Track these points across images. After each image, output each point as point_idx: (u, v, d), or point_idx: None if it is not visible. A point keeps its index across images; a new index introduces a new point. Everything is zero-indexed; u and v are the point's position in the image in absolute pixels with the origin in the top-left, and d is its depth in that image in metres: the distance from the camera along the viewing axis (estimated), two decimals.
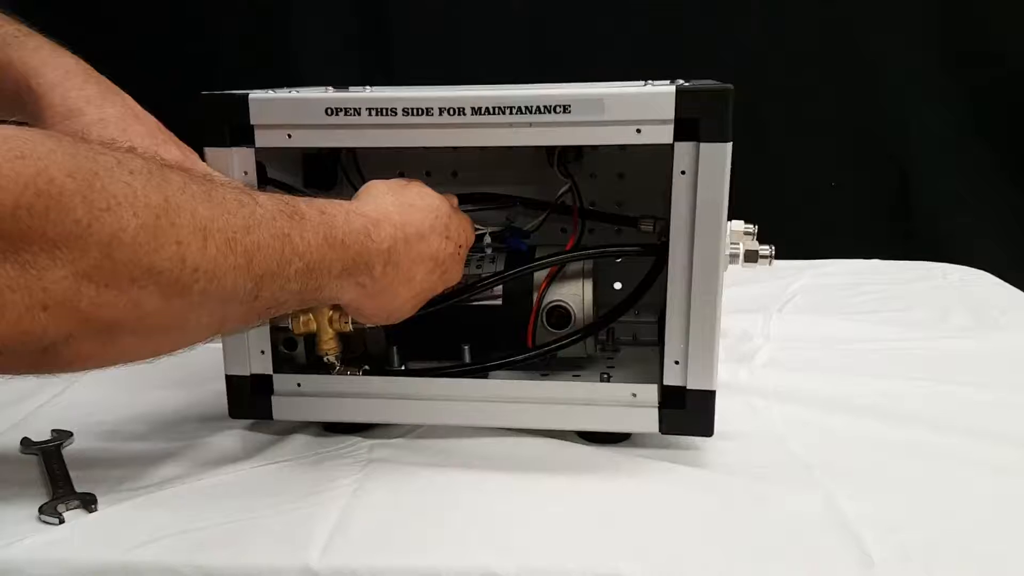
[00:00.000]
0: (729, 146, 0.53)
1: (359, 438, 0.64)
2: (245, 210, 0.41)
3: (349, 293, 0.50)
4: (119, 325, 0.37)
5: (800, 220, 1.25)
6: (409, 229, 0.52)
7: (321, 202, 0.48)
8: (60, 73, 0.54)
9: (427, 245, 0.53)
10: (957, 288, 1.06)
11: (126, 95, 0.57)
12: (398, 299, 0.54)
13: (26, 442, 0.63)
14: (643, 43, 1.28)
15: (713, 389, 0.58)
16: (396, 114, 0.56)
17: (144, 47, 1.31)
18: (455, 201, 0.61)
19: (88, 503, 0.54)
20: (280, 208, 0.43)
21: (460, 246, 0.57)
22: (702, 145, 0.53)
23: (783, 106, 1.29)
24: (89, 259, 0.34)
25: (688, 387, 0.58)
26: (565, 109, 0.54)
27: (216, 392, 0.66)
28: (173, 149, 0.56)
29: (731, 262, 0.60)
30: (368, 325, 0.60)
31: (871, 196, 1.35)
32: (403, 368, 0.65)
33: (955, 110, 1.31)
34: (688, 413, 0.58)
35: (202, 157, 0.58)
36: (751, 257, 0.61)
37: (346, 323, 0.61)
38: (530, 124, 0.55)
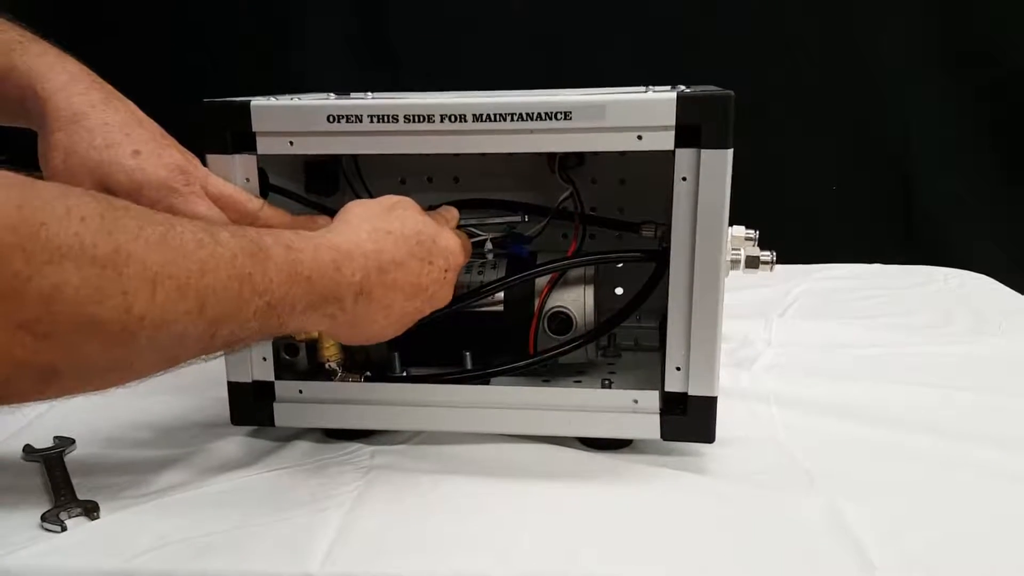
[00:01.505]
0: (730, 152, 0.53)
1: (361, 444, 0.64)
2: (203, 251, 0.40)
3: (318, 325, 0.49)
4: (58, 370, 0.36)
5: (801, 225, 1.25)
6: (384, 257, 0.51)
7: (289, 236, 0.47)
8: (64, 78, 0.54)
9: (405, 272, 0.52)
10: (958, 292, 1.06)
11: (129, 101, 0.57)
12: (375, 326, 0.52)
13: (28, 449, 0.63)
14: (643, 43, 1.28)
15: (714, 395, 0.58)
16: (398, 121, 0.56)
17: (146, 53, 1.31)
18: (453, 218, 0.60)
19: (90, 510, 0.54)
20: (243, 246, 0.42)
21: (447, 270, 0.55)
22: (703, 151, 0.53)
23: (783, 110, 1.29)
24: (27, 312, 0.33)
25: (689, 393, 0.58)
26: (566, 116, 0.54)
27: (218, 399, 0.66)
28: (175, 154, 0.56)
29: (732, 268, 0.60)
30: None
31: (872, 200, 1.35)
32: (404, 374, 0.65)
33: (956, 112, 1.31)
34: (689, 419, 0.58)
35: (203, 163, 0.58)
36: (752, 263, 0.61)
37: None
38: (531, 131, 0.55)
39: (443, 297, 0.56)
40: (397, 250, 0.51)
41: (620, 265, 0.74)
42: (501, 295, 0.65)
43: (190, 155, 0.57)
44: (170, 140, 0.57)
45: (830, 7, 1.28)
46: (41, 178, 0.54)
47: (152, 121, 0.57)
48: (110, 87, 0.57)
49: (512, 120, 0.55)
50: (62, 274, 0.34)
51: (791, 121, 1.31)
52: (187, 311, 0.39)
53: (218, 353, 0.45)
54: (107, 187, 0.53)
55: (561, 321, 0.64)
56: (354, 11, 1.33)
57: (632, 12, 1.28)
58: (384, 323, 0.53)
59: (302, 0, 1.31)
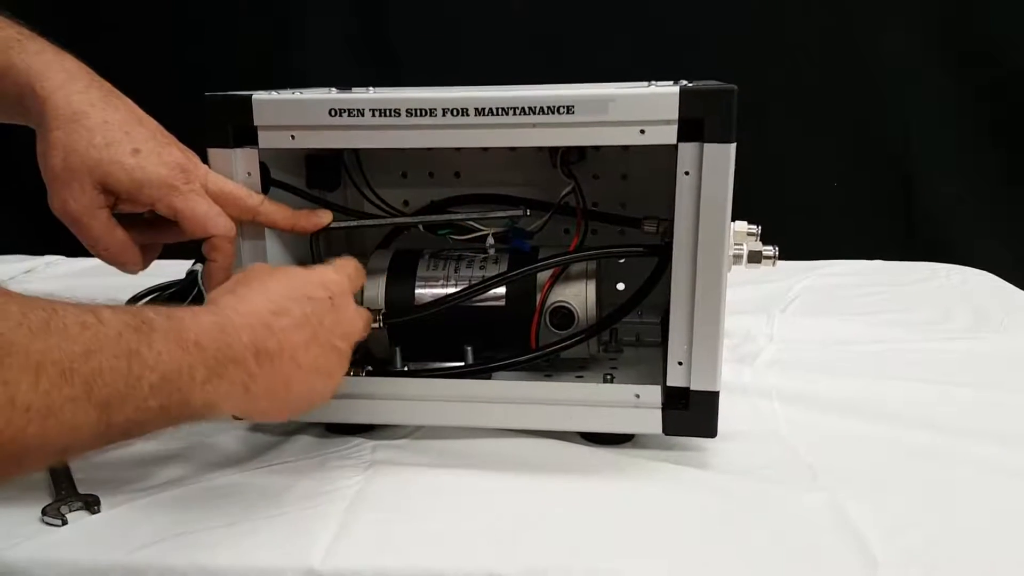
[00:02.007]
0: (733, 147, 0.53)
1: (362, 439, 0.64)
2: (87, 333, 0.38)
3: (230, 397, 0.45)
4: None
5: (803, 221, 1.25)
6: (262, 315, 0.47)
7: (167, 309, 0.44)
8: (63, 76, 0.54)
9: (288, 318, 0.48)
10: (960, 289, 1.06)
11: (128, 99, 0.57)
12: (297, 384, 0.49)
13: None
14: (643, 44, 1.28)
15: (716, 390, 0.58)
16: (400, 115, 0.56)
17: (146, 52, 1.31)
18: (355, 275, 0.56)
19: (91, 504, 0.54)
20: (126, 322, 0.40)
21: (331, 296, 0.52)
22: (706, 146, 0.53)
23: (785, 107, 1.29)
24: None
25: (692, 388, 0.58)
26: (569, 110, 0.54)
27: None
28: (176, 152, 0.56)
29: (734, 263, 0.60)
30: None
31: (873, 196, 1.35)
32: (406, 369, 0.65)
33: (956, 111, 1.31)
34: (691, 414, 0.58)
35: (204, 159, 0.58)
36: (755, 258, 0.61)
37: None
38: (533, 125, 0.55)
39: (348, 323, 0.53)
40: (271, 298, 0.49)
41: (622, 260, 0.74)
42: (503, 290, 0.65)
43: (190, 153, 0.57)
44: (170, 138, 0.57)
45: (830, 7, 1.28)
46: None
47: (152, 119, 0.57)
48: (109, 85, 0.56)
49: (514, 114, 0.55)
50: None
51: (791, 121, 1.31)
52: (73, 397, 0.37)
53: (119, 441, 0.42)
54: (107, 185, 0.53)
55: (563, 316, 0.64)
56: (354, 11, 1.33)
57: (632, 12, 1.28)
58: (306, 379, 0.49)
59: (302, 0, 1.32)
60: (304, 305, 0.50)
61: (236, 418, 0.49)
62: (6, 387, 0.34)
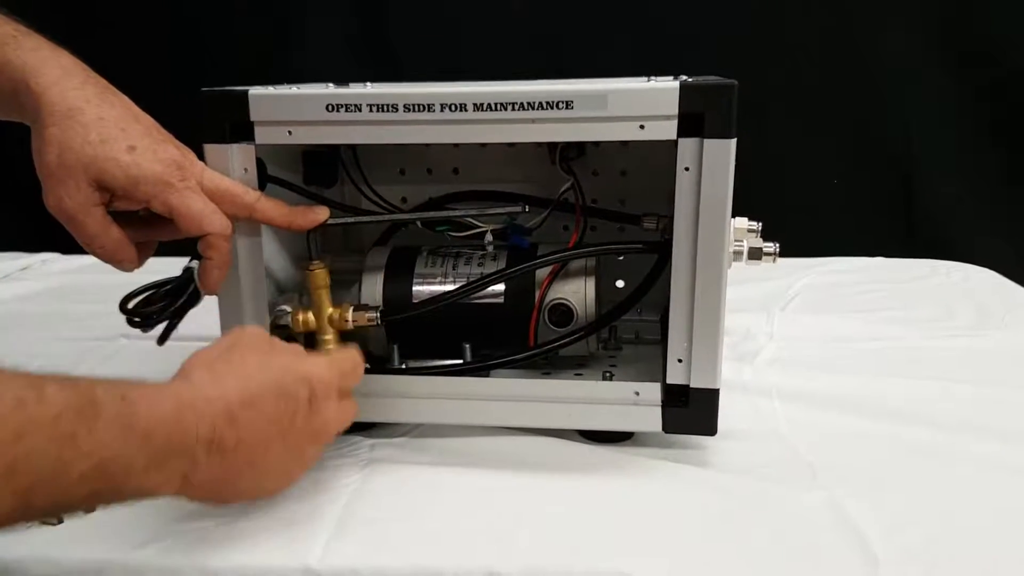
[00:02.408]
0: (733, 142, 0.53)
1: (360, 437, 0.63)
2: (20, 414, 0.36)
3: (167, 485, 0.43)
4: None
5: (803, 218, 1.24)
6: (229, 401, 0.45)
7: (126, 387, 0.41)
8: (59, 72, 0.54)
9: (257, 412, 0.46)
10: (961, 286, 1.06)
11: (124, 96, 0.56)
12: (250, 482, 0.47)
13: None
14: (643, 44, 1.28)
15: (716, 388, 0.57)
16: (397, 110, 0.55)
17: (144, 51, 1.30)
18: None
19: None
20: (69, 402, 0.38)
21: (311, 399, 0.49)
22: (706, 141, 0.53)
23: (785, 105, 1.29)
24: None
25: (691, 386, 0.57)
26: (568, 105, 0.54)
27: None
28: (171, 149, 0.55)
29: (735, 259, 0.60)
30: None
31: (874, 193, 1.35)
32: (404, 367, 0.65)
33: (956, 111, 1.31)
34: (691, 412, 0.58)
35: (200, 154, 0.58)
36: (755, 254, 0.61)
37: (346, 321, 0.61)
38: (532, 120, 0.54)
39: (322, 426, 0.50)
40: (243, 390, 0.46)
41: (621, 257, 0.74)
42: (501, 287, 0.64)
43: (186, 150, 0.57)
44: (165, 135, 0.56)
45: (830, 7, 1.28)
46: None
47: (147, 116, 0.56)
48: (105, 82, 0.56)
49: (513, 109, 0.54)
50: None
51: (791, 121, 1.31)
52: None
53: (37, 519, 0.39)
54: (102, 182, 0.53)
55: (562, 313, 0.64)
56: (354, 11, 1.32)
57: (632, 12, 1.28)
58: (260, 476, 0.47)
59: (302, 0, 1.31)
60: (279, 401, 0.47)
61: None
62: None
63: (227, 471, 0.45)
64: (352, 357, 0.54)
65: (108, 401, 0.39)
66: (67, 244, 0.56)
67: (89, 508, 0.41)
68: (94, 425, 0.38)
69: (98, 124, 0.53)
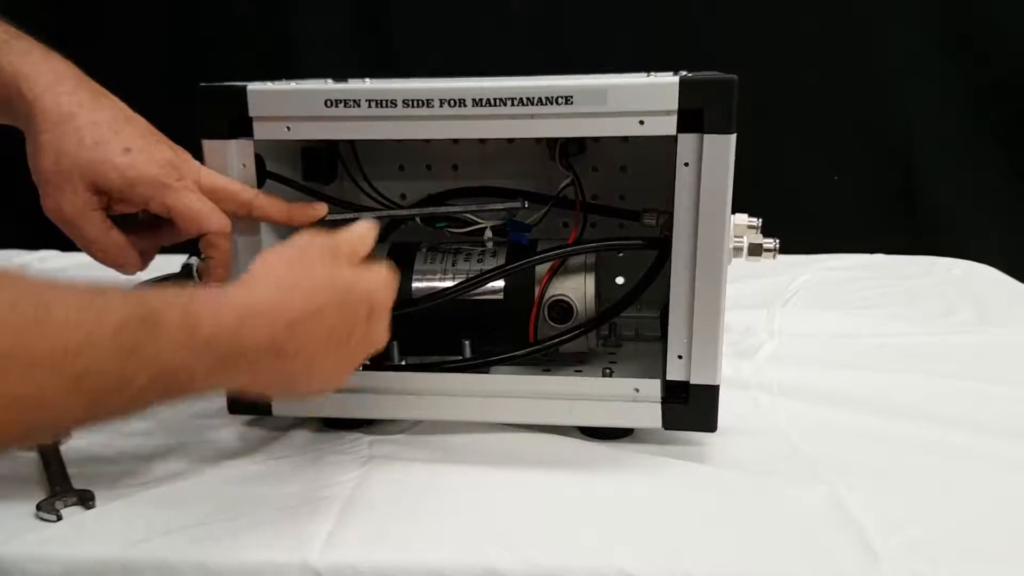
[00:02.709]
0: (733, 138, 0.53)
1: (359, 434, 0.63)
2: (80, 331, 0.37)
3: (233, 383, 0.45)
4: None
5: (804, 214, 1.24)
6: (294, 313, 0.45)
7: (187, 297, 0.42)
8: (51, 77, 0.53)
9: (319, 325, 0.46)
10: (961, 282, 1.06)
11: (116, 98, 0.56)
12: (302, 383, 0.48)
13: None
14: (643, 44, 1.28)
15: (716, 384, 0.57)
16: (396, 106, 0.55)
17: (143, 50, 1.30)
18: (361, 238, 0.52)
19: (86, 500, 0.53)
20: (130, 313, 0.39)
21: (370, 313, 0.49)
22: (706, 136, 0.53)
23: (785, 101, 1.28)
24: None
25: (691, 382, 0.57)
26: (567, 100, 0.54)
27: None
28: (166, 150, 0.55)
29: (735, 256, 0.60)
30: None
31: (874, 190, 1.34)
32: (403, 363, 0.65)
33: (957, 105, 1.31)
34: (691, 408, 0.58)
35: (199, 151, 0.58)
36: (755, 251, 0.61)
37: None
38: (532, 116, 0.54)
39: (375, 340, 0.51)
40: (308, 303, 0.46)
41: (621, 254, 0.74)
42: (501, 283, 0.64)
43: (180, 150, 0.57)
44: (160, 136, 0.56)
45: (830, 6, 1.27)
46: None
47: (141, 118, 0.56)
48: (97, 85, 0.55)
49: (512, 105, 0.54)
50: None
51: (791, 117, 1.30)
52: (65, 389, 0.36)
53: (103, 423, 0.41)
54: (99, 185, 0.53)
55: (562, 309, 0.64)
56: (354, 11, 1.32)
57: (632, 12, 1.28)
58: (313, 379, 0.48)
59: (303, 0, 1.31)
60: (340, 315, 0.48)
61: None
62: None
63: (284, 374, 0.46)
64: (391, 276, 0.53)
65: (170, 312, 0.40)
66: (65, 242, 0.56)
67: (158, 406, 0.42)
68: (156, 335, 0.39)
69: (92, 128, 0.53)
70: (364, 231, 0.52)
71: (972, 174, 1.33)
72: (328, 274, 0.48)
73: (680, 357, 0.57)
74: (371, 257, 0.52)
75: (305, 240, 0.50)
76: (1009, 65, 1.27)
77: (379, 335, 0.51)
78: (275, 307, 0.45)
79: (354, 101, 0.55)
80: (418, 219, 0.66)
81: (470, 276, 0.63)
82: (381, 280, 0.51)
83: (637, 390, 0.59)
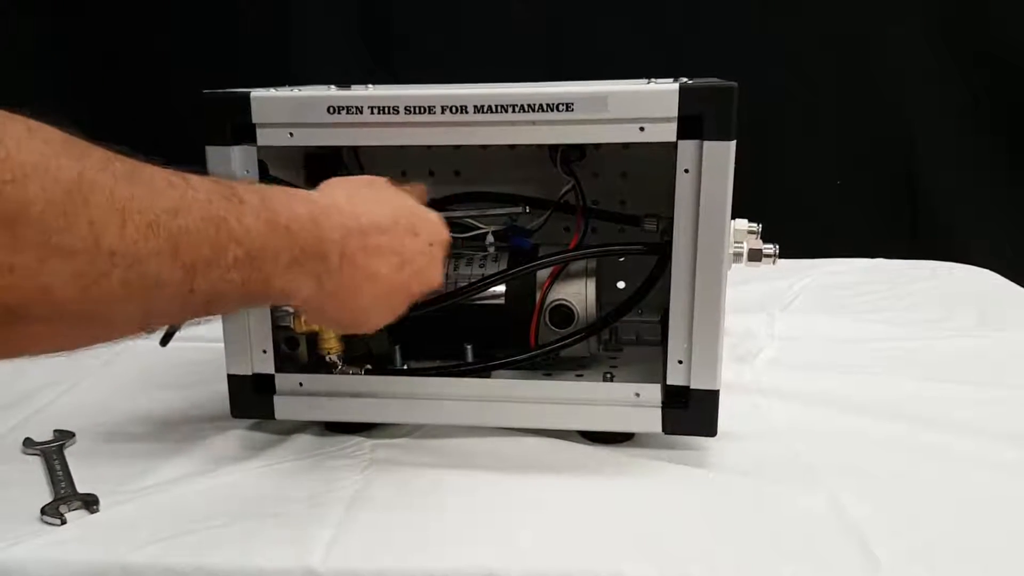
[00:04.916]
0: (733, 144, 0.53)
1: (361, 438, 0.64)
2: (174, 192, 0.36)
3: (304, 287, 0.44)
4: (27, 311, 0.32)
5: (804, 219, 1.24)
6: (364, 220, 0.47)
7: (262, 187, 0.44)
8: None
9: (388, 239, 0.48)
10: (961, 287, 1.06)
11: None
12: (363, 298, 0.48)
13: (28, 442, 0.63)
14: (643, 44, 1.28)
15: (717, 389, 0.57)
16: (398, 112, 0.56)
17: (142, 50, 1.30)
18: (423, 194, 0.56)
19: (90, 504, 0.54)
20: (216, 190, 0.39)
21: (432, 244, 0.51)
22: (706, 143, 0.53)
23: (786, 105, 1.29)
24: None
25: (692, 387, 0.58)
26: (568, 107, 0.54)
27: (218, 392, 0.65)
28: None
29: (735, 261, 0.60)
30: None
31: (875, 195, 1.35)
32: (405, 367, 0.65)
33: (959, 109, 1.31)
34: (691, 413, 0.58)
35: (201, 158, 0.58)
36: (755, 256, 0.61)
37: None
38: (533, 122, 0.55)
39: (431, 276, 0.51)
40: (378, 215, 0.48)
41: (622, 259, 0.74)
42: (502, 288, 0.64)
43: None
44: None
45: (831, 6, 1.28)
46: None
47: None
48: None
49: (514, 111, 0.55)
50: (25, 194, 0.30)
51: (791, 122, 1.30)
52: (159, 251, 0.35)
53: (201, 313, 0.40)
54: None
55: (563, 314, 0.64)
56: (354, 11, 1.32)
57: (632, 13, 1.28)
58: (371, 295, 0.48)
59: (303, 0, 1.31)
60: (406, 235, 0.49)
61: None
62: (91, 227, 0.32)
63: (350, 283, 0.47)
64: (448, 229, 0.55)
65: (250, 196, 0.41)
66: None
67: (242, 304, 0.43)
68: (241, 213, 0.39)
69: None
70: (421, 187, 0.55)
71: (972, 176, 1.33)
72: (397, 198, 0.50)
73: (680, 362, 0.57)
74: None
75: (371, 177, 0.52)
76: (1009, 65, 1.27)
77: (435, 272, 0.52)
78: (345, 210, 0.47)
79: (356, 108, 0.56)
80: None
81: (472, 281, 0.63)
82: (440, 221, 0.53)
83: (638, 394, 0.59)
